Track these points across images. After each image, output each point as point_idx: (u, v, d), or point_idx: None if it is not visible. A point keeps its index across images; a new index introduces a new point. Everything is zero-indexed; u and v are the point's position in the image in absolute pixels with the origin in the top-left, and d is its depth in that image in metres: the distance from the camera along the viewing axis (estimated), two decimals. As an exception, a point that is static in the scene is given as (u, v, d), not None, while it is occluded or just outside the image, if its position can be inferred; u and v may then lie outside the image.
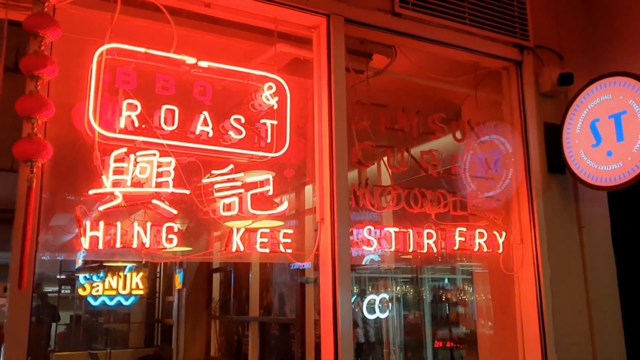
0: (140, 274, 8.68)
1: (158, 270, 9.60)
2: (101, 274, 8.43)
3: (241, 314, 6.85)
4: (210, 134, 2.72)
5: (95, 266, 8.07)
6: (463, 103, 3.99)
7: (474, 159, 3.53)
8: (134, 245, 2.48)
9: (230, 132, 2.76)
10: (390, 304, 8.29)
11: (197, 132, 2.69)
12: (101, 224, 2.42)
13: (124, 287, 8.51)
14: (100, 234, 2.41)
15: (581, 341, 3.46)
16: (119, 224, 2.46)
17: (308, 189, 5.16)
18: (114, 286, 8.48)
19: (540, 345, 3.34)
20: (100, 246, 2.41)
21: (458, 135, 3.43)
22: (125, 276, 8.55)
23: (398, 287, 8.64)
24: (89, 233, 2.38)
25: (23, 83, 2.38)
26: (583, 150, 3.41)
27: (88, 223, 2.39)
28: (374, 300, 8.89)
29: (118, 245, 2.44)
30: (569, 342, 3.40)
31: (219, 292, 7.63)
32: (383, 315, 8.14)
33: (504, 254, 3.43)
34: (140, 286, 8.64)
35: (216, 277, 7.68)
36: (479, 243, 3.31)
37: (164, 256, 2.66)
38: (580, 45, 3.91)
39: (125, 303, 8.91)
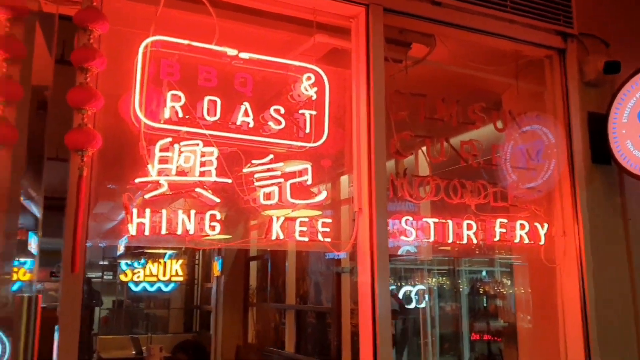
0: (180, 261, 8.89)
1: (197, 257, 9.80)
2: (142, 261, 8.67)
3: (278, 302, 6.94)
4: (251, 125, 2.76)
5: (137, 253, 8.31)
6: (504, 92, 3.93)
7: (515, 149, 3.48)
8: (179, 232, 2.55)
9: (270, 123, 2.80)
10: (426, 295, 8.25)
11: (238, 123, 2.74)
12: (147, 211, 2.50)
13: (164, 274, 8.73)
14: (146, 220, 2.49)
15: (625, 336, 3.39)
16: (164, 211, 2.53)
17: (344, 179, 5.17)
18: (155, 273, 8.71)
19: (583, 340, 3.28)
20: (147, 232, 2.49)
21: (499, 125, 3.39)
22: (165, 263, 8.77)
23: (434, 279, 8.60)
24: (135, 220, 2.46)
25: (68, 74, 2.47)
26: (630, 141, 3.31)
27: (135, 210, 2.47)
28: (410, 291, 8.87)
29: (163, 231, 2.52)
30: (613, 336, 3.33)
31: (256, 280, 7.75)
32: (419, 307, 8.12)
33: (545, 246, 3.37)
34: (180, 273, 8.84)
35: (253, 265, 7.80)
36: (520, 235, 3.27)
37: (207, 243, 2.72)
38: (627, 32, 3.78)
39: (165, 289, 9.15)
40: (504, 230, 3.22)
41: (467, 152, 3.24)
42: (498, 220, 3.22)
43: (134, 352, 7.58)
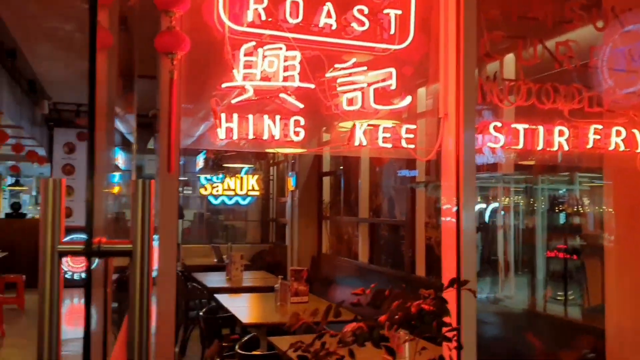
0: (256, 177, 9.19)
1: (271, 173, 10.09)
2: (220, 176, 9.02)
3: (351, 216, 7.08)
4: (334, 27, 2.69)
5: (215, 168, 8.63)
6: (605, -12, 3.57)
7: (614, 50, 3.20)
8: (265, 137, 2.59)
9: (353, 24, 2.71)
10: (502, 213, 8.12)
11: (321, 25, 2.67)
12: (235, 115, 2.55)
13: (241, 188, 9.07)
14: (234, 125, 2.54)
15: None
16: (250, 116, 2.57)
17: (421, 91, 5.03)
18: (232, 187, 9.07)
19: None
20: (235, 137, 2.55)
21: (599, 24, 3.11)
22: (242, 178, 9.10)
23: (510, 198, 8.41)
24: (224, 124, 2.52)
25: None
26: None
27: (223, 115, 2.52)
28: (484, 210, 8.73)
29: (250, 136, 2.57)
30: None
31: (329, 195, 7.90)
32: (494, 224, 8.02)
33: (643, 154, 3.17)
34: (256, 187, 9.16)
35: (326, 181, 7.92)
36: (615, 142, 3.07)
37: (291, 148, 2.76)
38: None
39: (242, 203, 9.55)
40: (598, 137, 3.04)
41: (563, 53, 3.02)
42: (592, 127, 3.04)
43: (215, 260, 8.07)
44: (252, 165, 9.16)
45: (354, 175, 7.06)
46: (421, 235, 5.58)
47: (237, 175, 9.05)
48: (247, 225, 10.84)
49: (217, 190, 9.13)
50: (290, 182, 8.01)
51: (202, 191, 9.42)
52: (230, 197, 9.33)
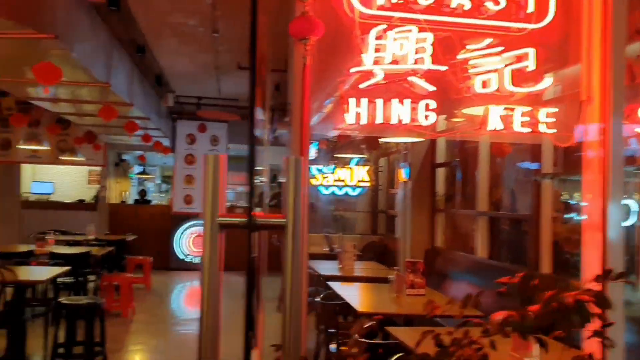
0: (366, 168, 9.19)
1: (381, 164, 10.03)
2: (331, 166, 9.12)
3: (467, 209, 6.83)
4: (467, 6, 2.57)
5: (327, 158, 8.75)
6: None
7: None
8: (393, 122, 2.55)
9: (488, 3, 2.58)
10: (637, 210, 7.42)
11: (454, 5, 2.57)
12: (363, 100, 2.53)
13: (351, 179, 9.12)
14: (362, 110, 2.52)
15: None
16: (379, 100, 2.54)
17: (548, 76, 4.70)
18: (343, 178, 9.14)
19: None
20: (363, 121, 2.53)
21: None
22: (352, 169, 9.14)
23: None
24: (353, 109, 2.51)
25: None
26: None
27: (352, 100, 2.51)
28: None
29: (379, 121, 2.54)
30: None
31: (443, 186, 7.69)
32: (627, 223, 7.36)
33: None
34: (366, 179, 9.16)
35: (440, 172, 7.71)
36: None
37: (420, 132, 2.69)
38: None
39: (352, 194, 9.60)
40: None
41: None
42: None
43: (327, 249, 8.19)
44: (363, 156, 9.16)
45: (471, 167, 6.80)
46: (546, 230, 5.24)
47: (347, 166, 9.10)
48: (356, 216, 10.88)
49: (328, 181, 9.25)
50: (402, 173, 7.89)
51: (313, 181, 9.59)
52: (340, 188, 9.42)
